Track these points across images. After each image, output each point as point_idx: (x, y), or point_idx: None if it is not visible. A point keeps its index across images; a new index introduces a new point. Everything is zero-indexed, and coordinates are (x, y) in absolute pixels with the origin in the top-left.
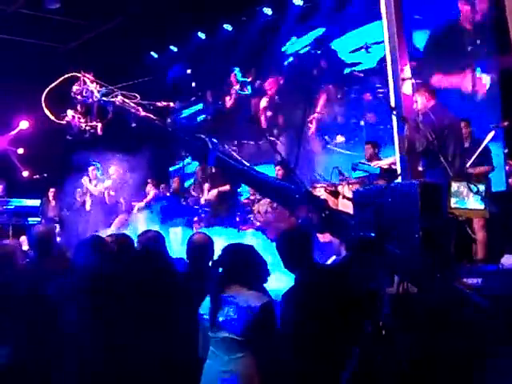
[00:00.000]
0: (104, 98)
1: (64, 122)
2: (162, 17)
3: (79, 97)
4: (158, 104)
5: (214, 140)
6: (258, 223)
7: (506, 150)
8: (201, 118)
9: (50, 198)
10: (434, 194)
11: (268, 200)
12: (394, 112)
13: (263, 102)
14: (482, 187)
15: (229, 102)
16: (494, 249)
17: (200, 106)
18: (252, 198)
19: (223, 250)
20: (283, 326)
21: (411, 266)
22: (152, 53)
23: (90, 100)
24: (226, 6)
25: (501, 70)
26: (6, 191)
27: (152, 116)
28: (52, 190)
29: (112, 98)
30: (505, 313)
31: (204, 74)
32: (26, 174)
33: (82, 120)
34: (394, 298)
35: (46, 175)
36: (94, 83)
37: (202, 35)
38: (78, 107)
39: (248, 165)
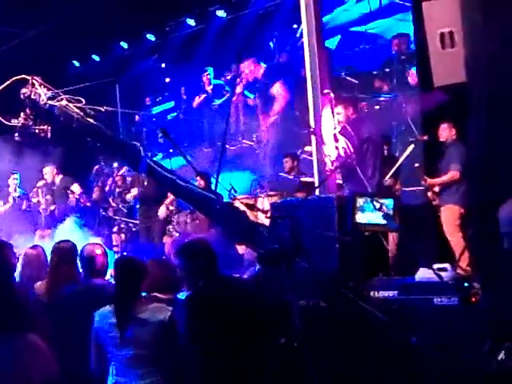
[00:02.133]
0: (50, 102)
1: (15, 124)
2: (85, 26)
3: (28, 100)
4: (101, 109)
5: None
6: (177, 234)
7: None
8: (172, 115)
9: None
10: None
11: (187, 211)
12: (312, 129)
13: (239, 89)
14: (388, 202)
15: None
16: (410, 262)
17: (172, 104)
18: (171, 208)
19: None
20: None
21: (320, 280)
22: (74, 62)
23: (38, 103)
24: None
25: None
26: None
27: (92, 121)
28: None
29: (57, 101)
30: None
31: (179, 69)
32: None
33: (31, 123)
34: (304, 311)
35: None
36: (42, 86)
37: (124, 44)
38: (27, 110)
39: (175, 175)
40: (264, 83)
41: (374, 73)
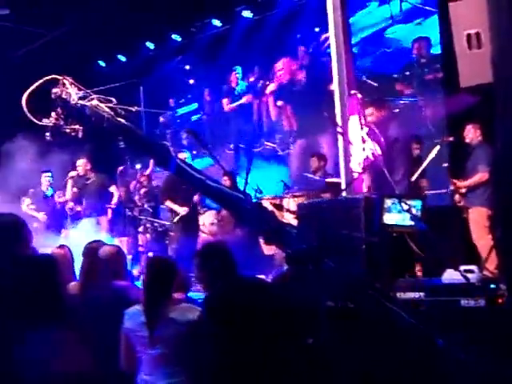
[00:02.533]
0: (80, 102)
1: (46, 124)
2: (111, 26)
3: (59, 99)
4: (131, 109)
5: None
6: (204, 235)
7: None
8: (196, 117)
9: None
10: (376, 209)
11: (213, 212)
12: (339, 128)
13: (271, 87)
14: (416, 203)
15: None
16: (437, 263)
17: (195, 106)
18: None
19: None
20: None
21: (348, 281)
22: (100, 62)
23: (69, 103)
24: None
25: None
26: None
27: (123, 120)
28: None
29: (88, 101)
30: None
31: (203, 70)
32: None
33: (62, 123)
34: (332, 312)
35: None
36: (73, 86)
37: (150, 45)
38: (59, 109)
39: (204, 174)
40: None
41: (395, 76)
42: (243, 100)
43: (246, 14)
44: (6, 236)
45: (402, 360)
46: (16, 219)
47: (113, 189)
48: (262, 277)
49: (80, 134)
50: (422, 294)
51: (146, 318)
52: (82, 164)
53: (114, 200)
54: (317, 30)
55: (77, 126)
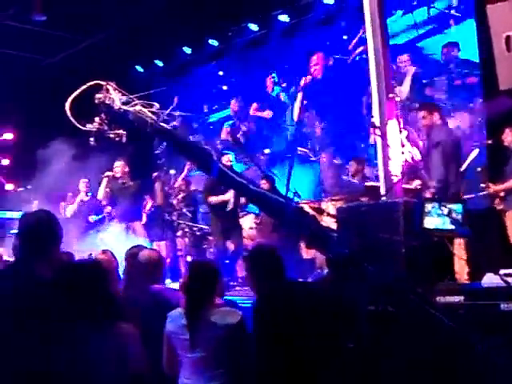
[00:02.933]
0: (124, 107)
1: (90, 129)
2: (148, 31)
3: (102, 105)
4: (174, 113)
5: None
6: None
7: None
8: (228, 123)
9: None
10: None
11: (252, 215)
12: (378, 131)
13: (306, 79)
14: (457, 207)
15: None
16: (477, 267)
17: (228, 112)
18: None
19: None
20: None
21: (388, 285)
22: (137, 67)
23: (113, 108)
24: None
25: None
26: None
27: (166, 125)
28: (35, 202)
29: (131, 106)
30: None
31: (237, 77)
32: (10, 186)
33: (106, 128)
34: (373, 316)
35: (29, 187)
36: (117, 91)
37: (187, 50)
38: (102, 115)
39: (246, 179)
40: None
41: (424, 81)
42: (265, 113)
43: (283, 18)
44: (41, 230)
45: (441, 363)
46: (47, 214)
47: (147, 196)
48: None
49: (124, 139)
50: (461, 297)
51: (187, 320)
52: (120, 165)
53: (148, 206)
54: (345, 37)
55: (120, 131)
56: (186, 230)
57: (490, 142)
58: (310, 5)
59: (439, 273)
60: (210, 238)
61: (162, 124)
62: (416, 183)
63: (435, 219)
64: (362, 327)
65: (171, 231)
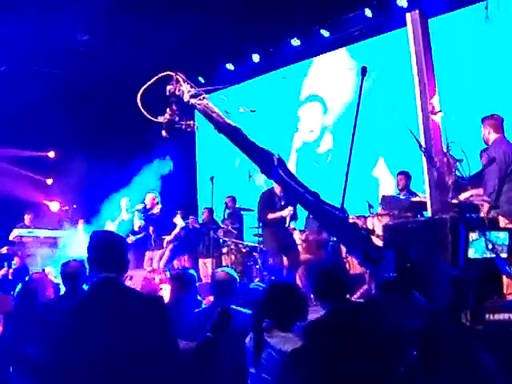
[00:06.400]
0: (192, 100)
1: (160, 120)
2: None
3: (173, 96)
4: (240, 110)
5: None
6: None
7: None
8: None
9: (79, 229)
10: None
11: (297, 232)
12: (423, 150)
13: None
14: (503, 235)
15: None
16: None
17: None
18: None
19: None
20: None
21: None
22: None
23: (183, 100)
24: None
25: None
26: (33, 222)
27: (231, 123)
28: (81, 220)
29: (199, 100)
30: None
31: None
32: (54, 206)
33: (177, 119)
34: (419, 341)
35: (75, 206)
36: (186, 83)
37: (230, 66)
38: (173, 106)
39: (305, 188)
40: None
41: None
42: None
43: (324, 32)
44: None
45: None
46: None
47: (177, 219)
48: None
49: (195, 129)
50: (511, 314)
51: (254, 342)
52: (149, 198)
53: (176, 231)
54: None
55: (191, 122)
56: (232, 247)
57: None
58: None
59: (487, 290)
60: (255, 254)
61: (228, 121)
62: (465, 195)
63: (480, 247)
64: (412, 353)
65: (216, 248)
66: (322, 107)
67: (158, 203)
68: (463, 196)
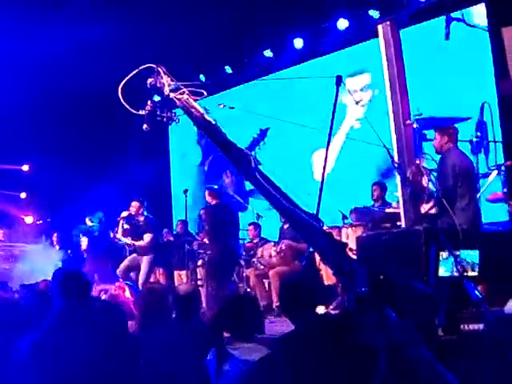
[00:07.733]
0: (172, 94)
1: (142, 113)
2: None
3: (153, 89)
4: (220, 106)
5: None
6: (262, 267)
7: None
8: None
9: (54, 242)
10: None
11: (272, 243)
12: (396, 164)
13: None
14: (473, 253)
15: None
16: (501, 294)
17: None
18: (255, 241)
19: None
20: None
21: (409, 327)
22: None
23: (164, 93)
24: None
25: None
26: (6, 236)
27: (210, 119)
28: (55, 234)
29: (180, 94)
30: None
31: None
32: (29, 219)
33: (158, 111)
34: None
35: (48, 220)
36: (166, 76)
37: (228, 69)
38: (154, 98)
39: (280, 192)
40: None
41: None
42: None
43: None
44: None
45: None
46: None
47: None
48: (322, 308)
49: (176, 120)
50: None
51: (216, 353)
52: (135, 206)
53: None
54: None
55: (172, 114)
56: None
57: (509, 163)
58: None
59: (463, 301)
60: None
61: (206, 117)
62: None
63: (450, 266)
64: (384, 370)
65: (191, 261)
66: None
67: (143, 213)
68: (426, 207)
